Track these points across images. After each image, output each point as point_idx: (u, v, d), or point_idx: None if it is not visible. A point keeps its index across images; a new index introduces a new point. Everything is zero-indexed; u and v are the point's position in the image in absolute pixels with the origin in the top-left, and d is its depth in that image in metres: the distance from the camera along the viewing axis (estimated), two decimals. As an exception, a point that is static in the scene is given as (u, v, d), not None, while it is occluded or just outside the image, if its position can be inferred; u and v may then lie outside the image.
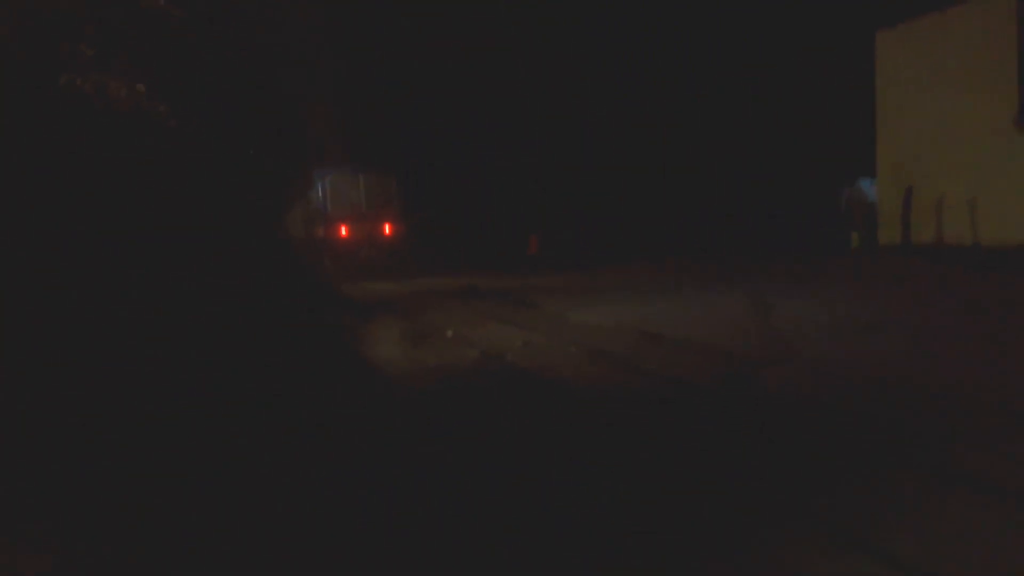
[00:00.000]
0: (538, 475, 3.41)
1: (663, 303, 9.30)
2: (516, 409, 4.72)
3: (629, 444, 3.83)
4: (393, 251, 16.80)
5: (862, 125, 15.96)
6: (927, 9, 14.09)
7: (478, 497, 3.17)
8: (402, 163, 19.02)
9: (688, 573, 2.43)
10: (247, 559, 2.51)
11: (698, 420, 4.22)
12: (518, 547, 2.65)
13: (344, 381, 5.63)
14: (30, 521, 2.53)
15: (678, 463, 3.48)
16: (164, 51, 6.24)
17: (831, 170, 18.20)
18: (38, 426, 2.91)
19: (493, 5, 21.65)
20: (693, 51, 21.91)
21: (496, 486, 3.31)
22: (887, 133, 15.31)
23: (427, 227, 19.39)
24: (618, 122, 22.30)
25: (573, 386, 5.20)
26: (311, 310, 9.40)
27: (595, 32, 22.65)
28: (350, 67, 19.76)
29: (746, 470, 3.33)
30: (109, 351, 3.71)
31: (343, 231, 16.24)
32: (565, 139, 22.65)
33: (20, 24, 4.32)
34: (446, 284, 13.57)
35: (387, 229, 16.90)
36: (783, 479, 3.21)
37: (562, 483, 3.29)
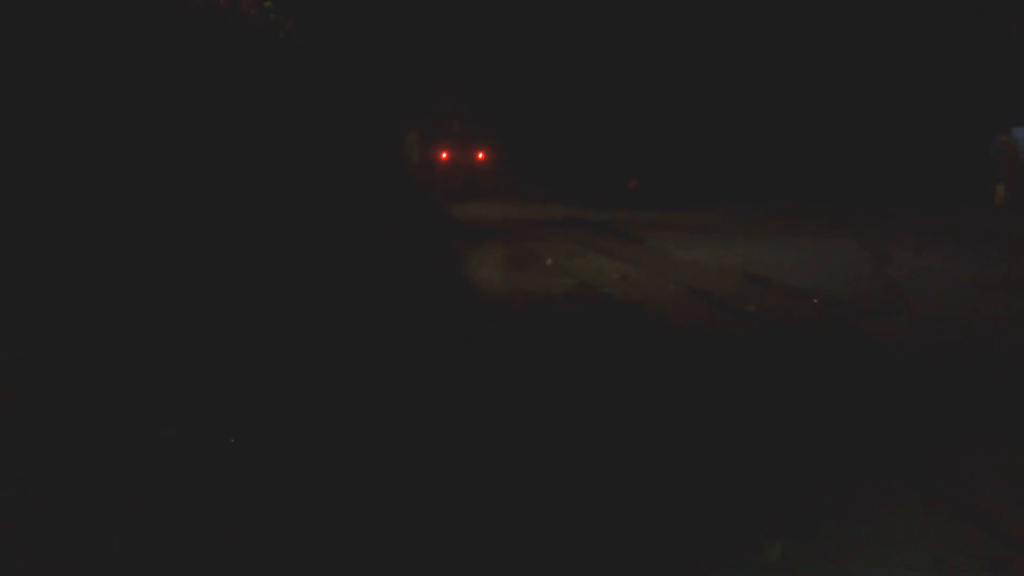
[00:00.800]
0: (615, 402, 3.50)
1: (772, 246, 8.97)
2: (606, 338, 4.80)
3: (721, 385, 3.83)
4: (487, 174, 19.73)
5: (1019, 69, 14.30)
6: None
7: (547, 416, 3.31)
8: (510, 98, 19.69)
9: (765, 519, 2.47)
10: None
11: (793, 367, 4.14)
12: (581, 457, 2.78)
13: (447, 300, 5.90)
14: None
15: (769, 407, 3.47)
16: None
17: (982, 116, 16.48)
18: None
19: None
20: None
21: (575, 414, 3.43)
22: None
23: (532, 158, 19.46)
24: (737, 53, 20.96)
25: (668, 322, 5.20)
26: (422, 230, 9.77)
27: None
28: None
29: (836, 421, 3.28)
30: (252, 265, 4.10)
31: (444, 155, 19.51)
32: (679, 70, 21.56)
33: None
34: (548, 213, 13.61)
35: (481, 155, 20.08)
36: (873, 434, 3.15)
37: (637, 415, 3.37)
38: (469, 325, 5.05)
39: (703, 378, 3.88)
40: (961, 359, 4.20)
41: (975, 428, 3.15)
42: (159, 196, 3.63)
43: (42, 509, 1.90)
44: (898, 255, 7.86)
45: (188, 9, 5.13)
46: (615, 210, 13.94)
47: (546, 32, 21.63)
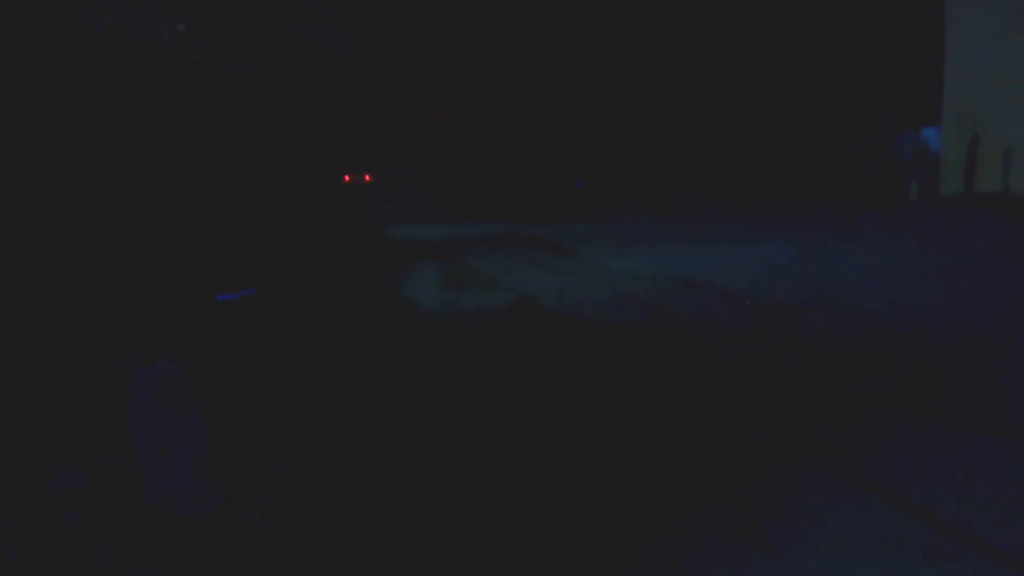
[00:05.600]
0: (538, 403, 3.44)
1: (704, 251, 9.14)
2: (544, 348, 4.74)
3: (651, 386, 3.81)
4: (372, 188, 23.59)
5: (927, 73, 15.14)
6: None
7: (470, 422, 3.22)
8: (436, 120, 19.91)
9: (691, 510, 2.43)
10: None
11: (724, 366, 4.17)
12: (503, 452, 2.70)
13: (383, 320, 5.77)
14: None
15: (699, 405, 3.46)
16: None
17: (893, 119, 17.34)
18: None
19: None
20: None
21: (500, 417, 3.35)
22: (955, 80, 14.48)
23: (471, 175, 19.50)
24: (659, 66, 21.54)
25: (604, 330, 5.19)
26: (357, 250, 9.58)
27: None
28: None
29: (769, 416, 3.29)
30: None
31: (346, 177, 22.77)
32: (600, 85, 21.99)
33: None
34: (484, 230, 13.58)
35: (368, 177, 23.90)
36: (806, 428, 3.17)
37: (559, 414, 3.31)
38: (407, 343, 4.93)
39: (634, 380, 3.86)
40: (885, 349, 4.30)
41: (905, 416, 3.20)
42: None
43: None
44: (823, 253, 8.10)
45: (91, 34, 4.89)
46: (549, 224, 14.03)
47: (474, 55, 21.75)
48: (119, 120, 4.21)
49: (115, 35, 5.43)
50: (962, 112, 14.35)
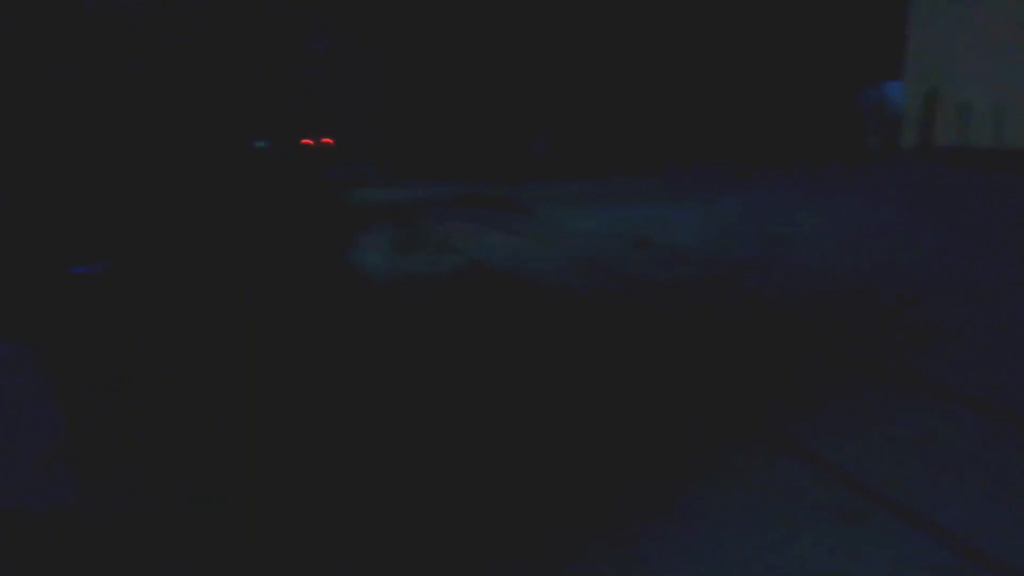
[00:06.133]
0: (480, 373, 3.34)
1: (662, 210, 9.05)
2: (485, 312, 4.63)
3: (588, 347, 3.73)
4: (333, 149, 24.03)
5: (890, 28, 15.04)
6: None
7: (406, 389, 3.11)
8: (409, 67, 19.18)
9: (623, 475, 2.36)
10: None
11: (666, 325, 4.10)
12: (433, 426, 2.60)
13: (322, 292, 5.59)
14: None
15: (634, 366, 3.39)
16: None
17: (855, 75, 17.28)
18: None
19: None
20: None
21: (434, 383, 3.25)
22: (916, 35, 14.42)
23: (439, 136, 19.12)
24: (633, 24, 21.17)
25: (551, 292, 5.09)
26: (308, 214, 9.31)
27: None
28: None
29: (706, 378, 3.23)
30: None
31: (308, 141, 23.64)
32: (567, 45, 21.60)
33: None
34: (445, 192, 13.34)
35: (330, 140, 24.54)
36: (742, 390, 3.11)
37: (497, 377, 3.22)
38: (331, 315, 4.78)
39: (572, 342, 3.77)
40: (829, 308, 4.26)
41: (843, 380, 3.16)
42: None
43: None
44: (779, 211, 8.06)
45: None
46: (511, 185, 13.82)
47: (441, 9, 21.14)
48: None
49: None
50: (922, 67, 14.33)
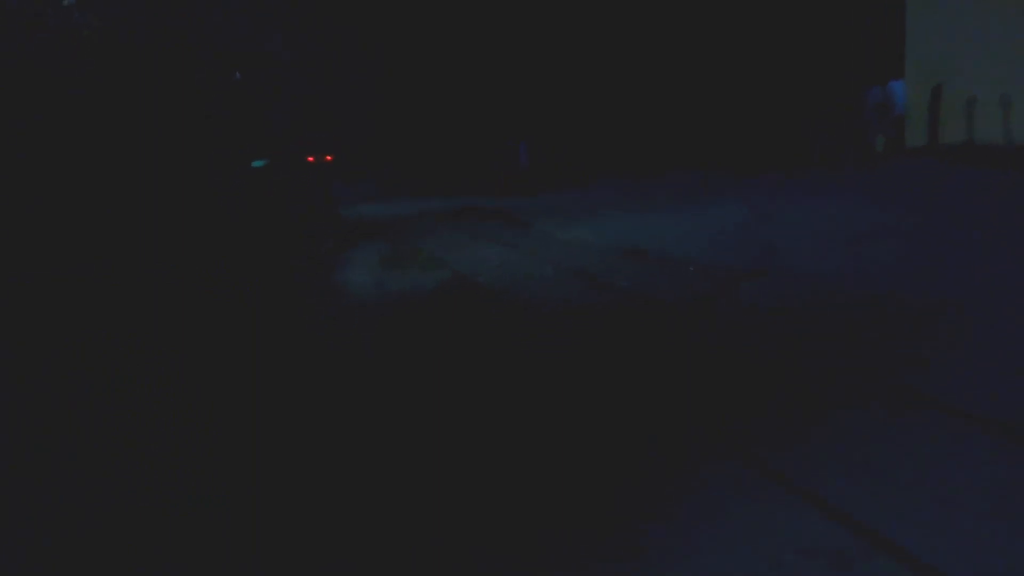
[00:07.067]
0: (449, 394, 3.09)
1: (658, 217, 8.80)
2: (463, 329, 4.39)
3: (568, 364, 3.47)
4: (333, 167, 24.30)
5: (890, 25, 14.77)
6: None
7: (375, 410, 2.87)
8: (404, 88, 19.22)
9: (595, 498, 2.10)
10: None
11: (653, 338, 3.83)
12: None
13: (304, 309, 5.38)
14: None
15: (616, 383, 3.12)
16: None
17: (858, 75, 16.99)
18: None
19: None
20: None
21: (408, 406, 3.00)
22: (915, 31, 14.14)
23: (434, 150, 19.03)
24: (625, 32, 20.99)
25: (535, 305, 4.84)
26: (297, 237, 9.14)
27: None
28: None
29: (692, 396, 2.96)
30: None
31: (310, 159, 23.64)
32: (556, 57, 21.43)
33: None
34: (442, 206, 13.16)
35: (329, 157, 26.01)
36: (729, 410, 2.84)
37: (476, 396, 2.97)
38: (302, 335, 4.55)
39: (552, 358, 3.52)
40: (823, 318, 3.99)
41: (834, 397, 2.88)
42: None
43: None
44: (778, 214, 7.80)
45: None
46: (509, 197, 13.63)
47: (435, 29, 21.09)
48: None
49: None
50: (924, 63, 14.05)
